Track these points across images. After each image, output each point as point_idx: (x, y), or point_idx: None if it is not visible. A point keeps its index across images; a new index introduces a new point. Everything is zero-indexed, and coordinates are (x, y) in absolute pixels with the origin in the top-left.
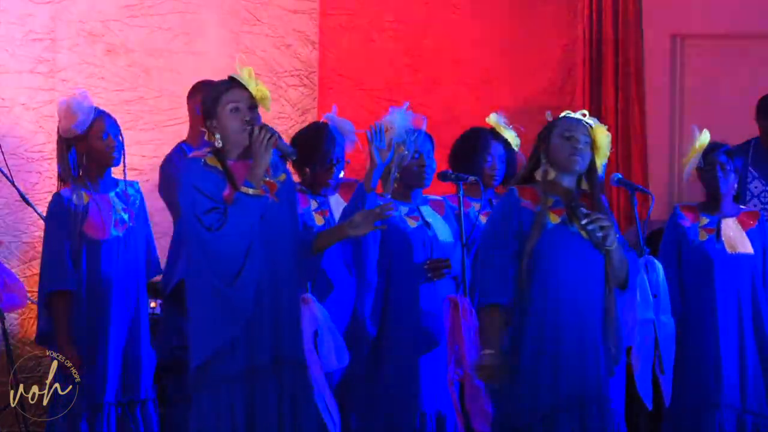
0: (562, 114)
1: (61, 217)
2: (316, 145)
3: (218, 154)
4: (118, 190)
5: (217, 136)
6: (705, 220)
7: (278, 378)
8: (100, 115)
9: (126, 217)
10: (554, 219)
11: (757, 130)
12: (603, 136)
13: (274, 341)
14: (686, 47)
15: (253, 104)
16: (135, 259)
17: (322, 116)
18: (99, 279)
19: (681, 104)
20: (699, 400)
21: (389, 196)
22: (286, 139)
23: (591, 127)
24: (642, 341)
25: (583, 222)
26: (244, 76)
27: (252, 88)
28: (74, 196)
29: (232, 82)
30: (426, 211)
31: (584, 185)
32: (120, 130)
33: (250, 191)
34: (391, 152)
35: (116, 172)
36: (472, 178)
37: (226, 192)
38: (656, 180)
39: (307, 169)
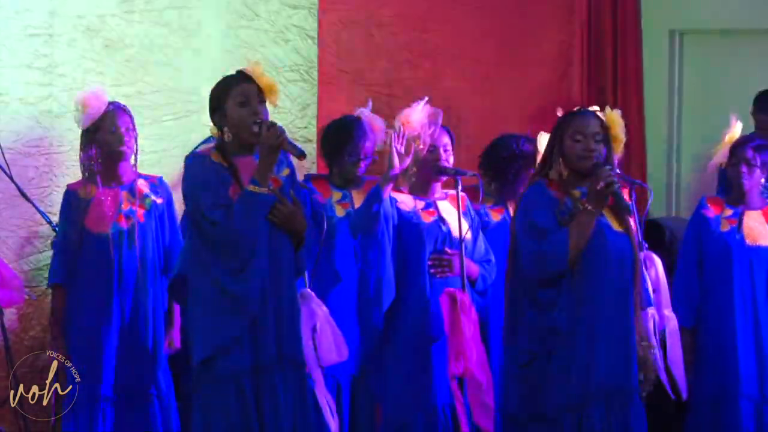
0: (575, 110)
1: (67, 210)
2: (347, 138)
3: (223, 150)
4: (131, 185)
5: (225, 129)
6: (729, 212)
7: (283, 375)
8: (113, 109)
9: (135, 212)
10: None
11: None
12: (617, 124)
13: (277, 338)
14: (684, 43)
15: (261, 99)
16: (143, 254)
17: (355, 111)
18: (99, 272)
19: (679, 99)
20: (718, 391)
21: (406, 191)
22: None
23: (603, 118)
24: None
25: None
26: (254, 70)
27: (261, 82)
28: (81, 190)
29: (242, 76)
30: (443, 206)
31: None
32: (132, 125)
33: (257, 189)
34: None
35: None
36: (470, 173)
37: (232, 188)
38: (654, 175)
39: (335, 161)
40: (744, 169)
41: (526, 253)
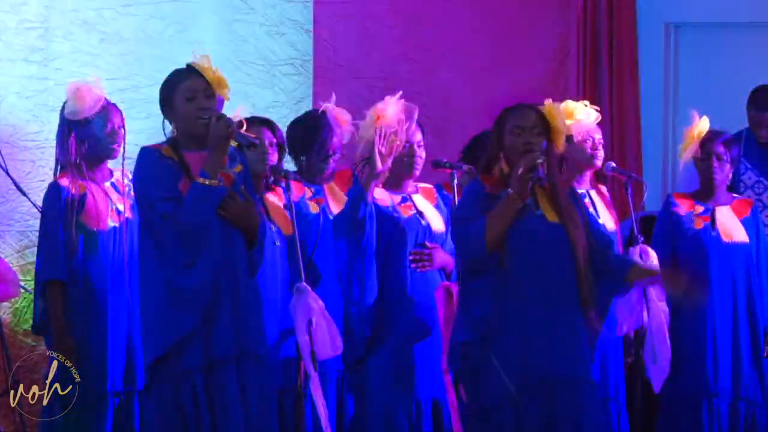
0: (513, 105)
1: (56, 206)
2: (313, 134)
3: (174, 144)
4: (113, 180)
5: (173, 125)
6: (700, 209)
7: (240, 372)
8: (108, 105)
9: (121, 207)
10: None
11: None
12: (556, 115)
13: (235, 334)
14: (680, 36)
15: (210, 93)
16: (132, 249)
17: (321, 105)
18: (96, 269)
19: (675, 93)
20: (694, 387)
21: (379, 186)
22: (282, 127)
23: (542, 110)
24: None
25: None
26: (202, 63)
27: (209, 75)
28: (71, 186)
29: (190, 70)
30: (418, 200)
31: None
32: (124, 124)
33: (207, 182)
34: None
35: (112, 163)
36: (466, 167)
37: (182, 182)
38: (650, 169)
39: (303, 158)
40: (715, 163)
41: (455, 242)
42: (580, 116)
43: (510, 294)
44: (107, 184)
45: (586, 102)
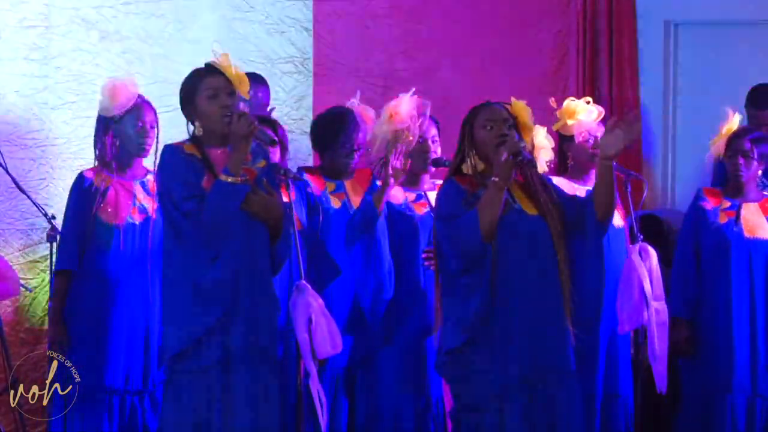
0: (480, 104)
1: (78, 197)
2: (340, 130)
3: (197, 142)
4: (144, 179)
5: (197, 123)
6: (727, 203)
7: (253, 369)
8: (141, 103)
9: (147, 206)
10: None
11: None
12: (524, 112)
13: (250, 331)
14: (680, 34)
15: (231, 90)
16: (153, 249)
17: (347, 102)
18: (108, 264)
19: (675, 91)
20: (711, 384)
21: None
22: (283, 125)
23: (510, 106)
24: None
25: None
26: (222, 62)
27: (229, 74)
28: (96, 179)
29: (210, 69)
30: (434, 197)
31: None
32: (156, 121)
33: (229, 179)
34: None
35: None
36: None
37: (205, 180)
38: (650, 167)
39: (328, 153)
40: (741, 161)
41: (444, 242)
42: (582, 115)
43: (497, 290)
44: (136, 182)
45: (589, 99)
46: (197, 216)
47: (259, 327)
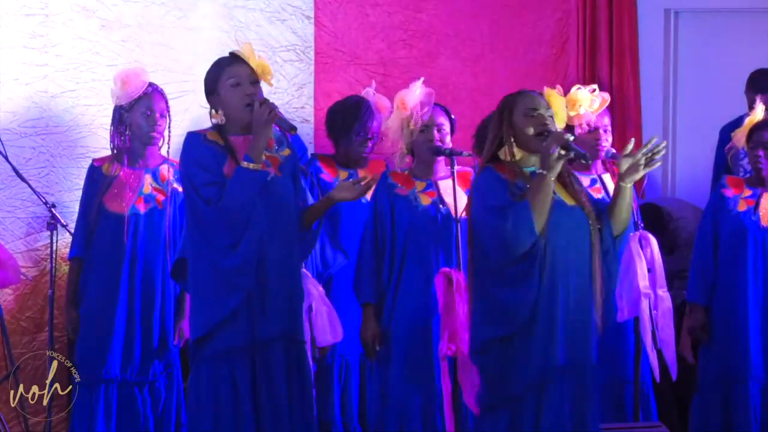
0: (518, 91)
1: (88, 186)
2: (355, 118)
3: (220, 129)
4: (157, 168)
5: (220, 111)
6: (748, 192)
7: (283, 353)
8: (151, 92)
9: (156, 197)
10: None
11: None
12: (558, 101)
13: (279, 316)
14: (680, 21)
15: (254, 79)
16: (159, 239)
17: (362, 91)
18: (113, 253)
19: (675, 78)
20: (727, 371)
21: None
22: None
23: (544, 96)
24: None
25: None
26: (245, 51)
27: (253, 63)
28: (105, 167)
29: (233, 58)
30: (445, 185)
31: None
32: (167, 110)
33: (251, 166)
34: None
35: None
36: (466, 153)
37: (227, 166)
38: None
39: (343, 141)
40: (761, 153)
41: (491, 235)
42: (583, 107)
43: (545, 279)
44: (147, 172)
45: (595, 86)
46: (218, 202)
47: (288, 311)
